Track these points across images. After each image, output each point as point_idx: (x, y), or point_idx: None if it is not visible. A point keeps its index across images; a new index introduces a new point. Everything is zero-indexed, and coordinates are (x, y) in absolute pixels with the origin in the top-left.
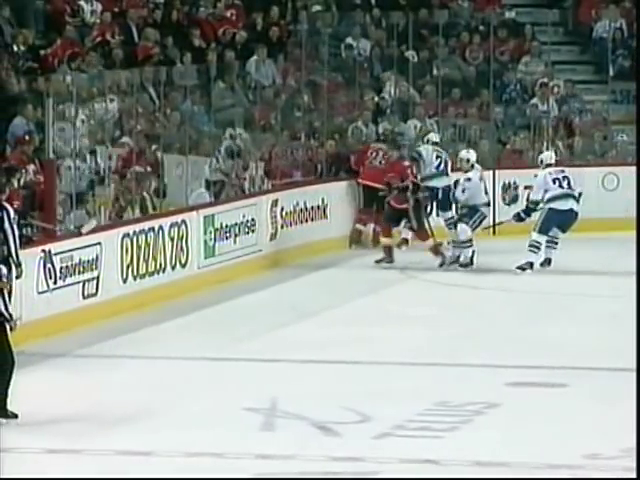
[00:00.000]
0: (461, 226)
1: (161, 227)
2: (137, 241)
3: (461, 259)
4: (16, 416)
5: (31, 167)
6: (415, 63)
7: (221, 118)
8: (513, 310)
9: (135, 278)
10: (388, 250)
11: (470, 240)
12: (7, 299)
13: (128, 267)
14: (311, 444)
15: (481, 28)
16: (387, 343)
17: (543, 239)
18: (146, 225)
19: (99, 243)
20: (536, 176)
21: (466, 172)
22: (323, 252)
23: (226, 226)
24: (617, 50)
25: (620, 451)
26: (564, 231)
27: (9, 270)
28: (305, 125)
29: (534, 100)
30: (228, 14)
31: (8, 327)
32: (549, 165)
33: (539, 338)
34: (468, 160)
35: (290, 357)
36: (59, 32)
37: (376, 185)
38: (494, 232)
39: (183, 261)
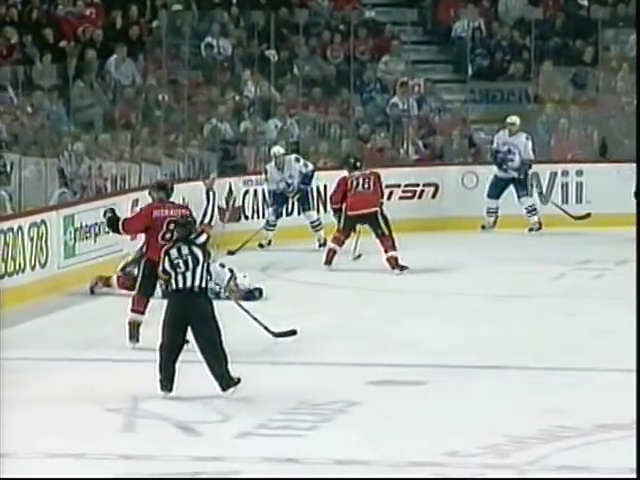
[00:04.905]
0: None
1: (20, 227)
2: None
3: None
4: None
5: None
6: (276, 62)
7: (81, 118)
8: (372, 308)
9: None
10: None
11: None
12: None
13: None
14: (173, 444)
15: (341, 27)
16: (246, 342)
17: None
18: (5, 225)
19: None
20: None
21: None
22: None
23: (86, 226)
24: (475, 49)
25: (479, 448)
26: None
27: None
28: (166, 125)
29: (394, 99)
30: (87, 12)
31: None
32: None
33: (398, 336)
34: None
35: (150, 357)
36: None
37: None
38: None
39: (43, 261)
